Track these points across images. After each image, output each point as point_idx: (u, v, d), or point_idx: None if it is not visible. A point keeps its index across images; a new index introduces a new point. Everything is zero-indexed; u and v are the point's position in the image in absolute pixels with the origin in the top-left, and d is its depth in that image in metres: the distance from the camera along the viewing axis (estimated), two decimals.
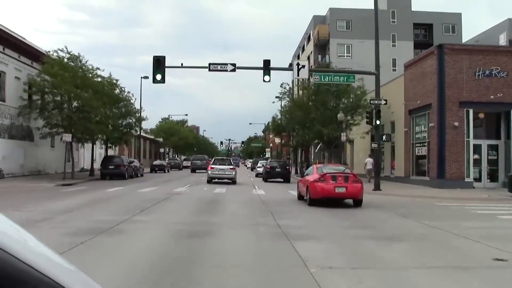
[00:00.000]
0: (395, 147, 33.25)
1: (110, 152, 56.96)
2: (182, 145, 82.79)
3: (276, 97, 48.13)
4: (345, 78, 26.76)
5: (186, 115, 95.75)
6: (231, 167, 33.28)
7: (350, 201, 17.43)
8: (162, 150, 73.97)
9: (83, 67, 34.28)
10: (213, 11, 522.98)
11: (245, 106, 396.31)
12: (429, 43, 66.22)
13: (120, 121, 42.34)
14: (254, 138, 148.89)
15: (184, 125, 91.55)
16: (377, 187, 25.66)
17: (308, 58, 70.92)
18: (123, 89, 42.56)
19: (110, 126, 39.94)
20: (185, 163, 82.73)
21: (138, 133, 57.50)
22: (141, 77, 56.91)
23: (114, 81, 39.30)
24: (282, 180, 35.54)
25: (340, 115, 31.67)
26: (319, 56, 68.39)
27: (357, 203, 16.87)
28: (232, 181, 32.20)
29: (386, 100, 26.41)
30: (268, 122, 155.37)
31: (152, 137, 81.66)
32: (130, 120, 44.17)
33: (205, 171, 35.97)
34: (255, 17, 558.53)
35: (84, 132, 34.30)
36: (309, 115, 36.99)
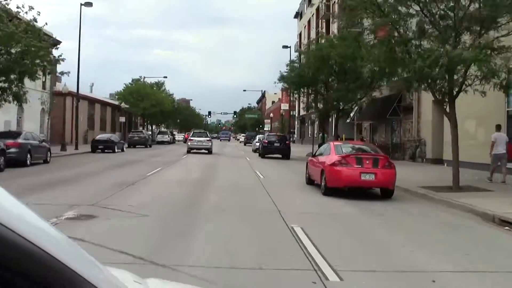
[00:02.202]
0: None
1: (29, 124, 35.50)
2: (156, 113, 60.96)
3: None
4: None
5: (165, 77, 73.20)
6: (208, 139, 36.10)
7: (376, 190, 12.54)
8: (123, 119, 52.18)
9: None
10: None
11: (237, 81, 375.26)
12: None
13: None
14: (247, 109, 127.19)
15: (161, 89, 69.67)
16: None
17: None
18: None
19: None
20: (159, 138, 61.68)
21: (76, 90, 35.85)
22: (81, 4, 35.73)
23: None
24: (280, 156, 31.68)
25: None
26: None
27: (387, 194, 12.40)
28: (208, 151, 34.87)
29: None
30: (262, 94, 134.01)
31: (113, 101, 59.65)
32: (29, 62, 22.29)
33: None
34: None
35: None
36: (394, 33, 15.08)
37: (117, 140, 36.87)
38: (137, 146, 47.43)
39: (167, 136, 62.40)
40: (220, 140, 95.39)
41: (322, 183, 12.81)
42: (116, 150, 35.37)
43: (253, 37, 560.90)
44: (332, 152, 13.09)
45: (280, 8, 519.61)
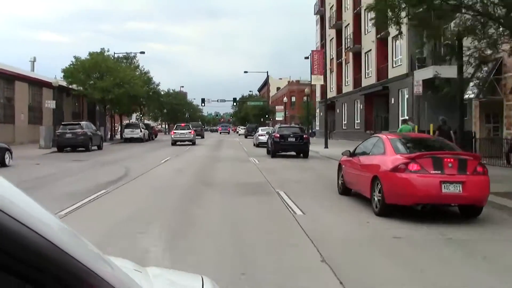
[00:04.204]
0: None
1: None
2: (121, 97, 40.05)
3: None
4: None
5: (143, 52, 52.16)
6: (190, 131, 36.54)
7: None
8: (52, 104, 31.02)
9: None
10: None
11: (234, 73, 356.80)
12: None
13: None
14: (249, 96, 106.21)
15: (133, 65, 48.95)
16: None
17: None
18: None
19: None
20: (127, 133, 41.94)
21: None
22: None
23: None
24: (295, 153, 24.55)
25: None
26: None
27: (473, 212, 8.05)
28: (192, 143, 35.83)
29: None
30: (266, 78, 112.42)
31: (58, 81, 38.55)
32: None
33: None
34: None
35: None
36: None
37: None
38: (78, 149, 27.16)
39: (138, 130, 41.77)
40: (220, 133, 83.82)
41: (376, 198, 8.27)
42: None
43: (250, 28, 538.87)
44: (388, 150, 8.54)
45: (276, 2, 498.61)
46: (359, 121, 38.99)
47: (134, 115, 72.31)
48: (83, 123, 28.99)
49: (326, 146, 30.27)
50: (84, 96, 42.20)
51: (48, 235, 0.88)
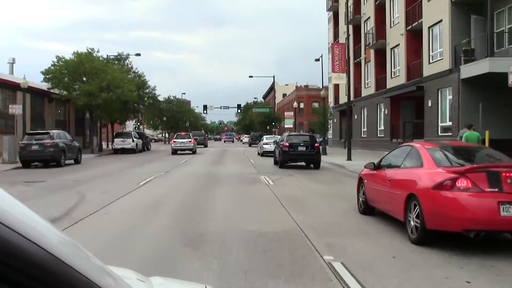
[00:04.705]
0: None
1: None
2: (109, 102, 34.80)
3: None
4: None
5: (138, 54, 47.13)
6: (190, 140, 36.90)
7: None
8: (17, 109, 25.59)
9: None
10: None
11: (238, 81, 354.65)
12: None
13: None
14: (254, 103, 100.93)
15: (125, 66, 43.89)
16: None
17: None
18: None
19: None
20: (118, 143, 37.23)
21: None
22: None
23: None
24: (304, 164, 22.40)
25: None
26: None
27: None
28: (192, 152, 35.78)
29: None
30: (273, 83, 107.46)
31: (41, 85, 33.21)
32: None
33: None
34: None
35: None
36: None
37: None
38: (50, 165, 22.15)
39: (130, 140, 36.65)
40: (224, 142, 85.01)
41: (412, 222, 6.77)
42: None
43: (254, 35, 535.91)
44: (427, 162, 7.02)
45: (280, 6, 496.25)
46: (382, 128, 33.59)
47: (131, 123, 67.46)
48: (53, 132, 23.69)
49: (349, 158, 24.94)
50: (68, 101, 37.24)
51: (47, 246, 0.85)
